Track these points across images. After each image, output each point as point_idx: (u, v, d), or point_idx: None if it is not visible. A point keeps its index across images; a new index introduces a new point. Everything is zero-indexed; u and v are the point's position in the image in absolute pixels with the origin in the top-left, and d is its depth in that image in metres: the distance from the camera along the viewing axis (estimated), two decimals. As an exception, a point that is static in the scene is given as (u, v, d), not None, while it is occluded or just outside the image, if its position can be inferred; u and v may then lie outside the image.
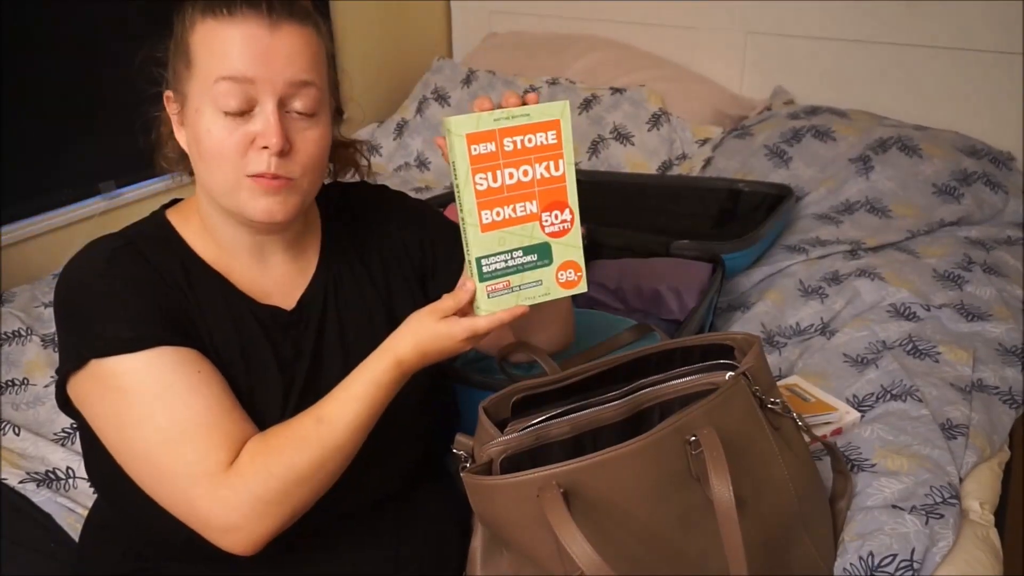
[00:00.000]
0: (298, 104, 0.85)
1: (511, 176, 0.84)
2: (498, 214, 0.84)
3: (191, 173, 0.92)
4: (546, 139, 0.85)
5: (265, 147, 0.83)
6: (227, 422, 0.82)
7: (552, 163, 0.85)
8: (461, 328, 0.84)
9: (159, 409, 0.81)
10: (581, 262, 0.89)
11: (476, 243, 0.84)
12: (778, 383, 1.05)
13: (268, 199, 0.85)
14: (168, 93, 0.90)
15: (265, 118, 0.83)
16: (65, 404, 0.89)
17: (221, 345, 0.88)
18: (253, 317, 0.91)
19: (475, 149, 0.82)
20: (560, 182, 0.86)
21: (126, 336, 0.81)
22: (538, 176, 0.85)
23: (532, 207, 0.85)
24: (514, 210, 0.85)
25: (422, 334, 0.84)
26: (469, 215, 0.83)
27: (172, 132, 0.91)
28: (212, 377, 0.84)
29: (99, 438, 0.85)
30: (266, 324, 0.92)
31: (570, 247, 0.88)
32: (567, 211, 0.87)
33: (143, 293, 0.84)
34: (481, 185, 0.83)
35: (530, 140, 0.84)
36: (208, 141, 0.83)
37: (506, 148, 0.83)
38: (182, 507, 0.81)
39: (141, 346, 0.81)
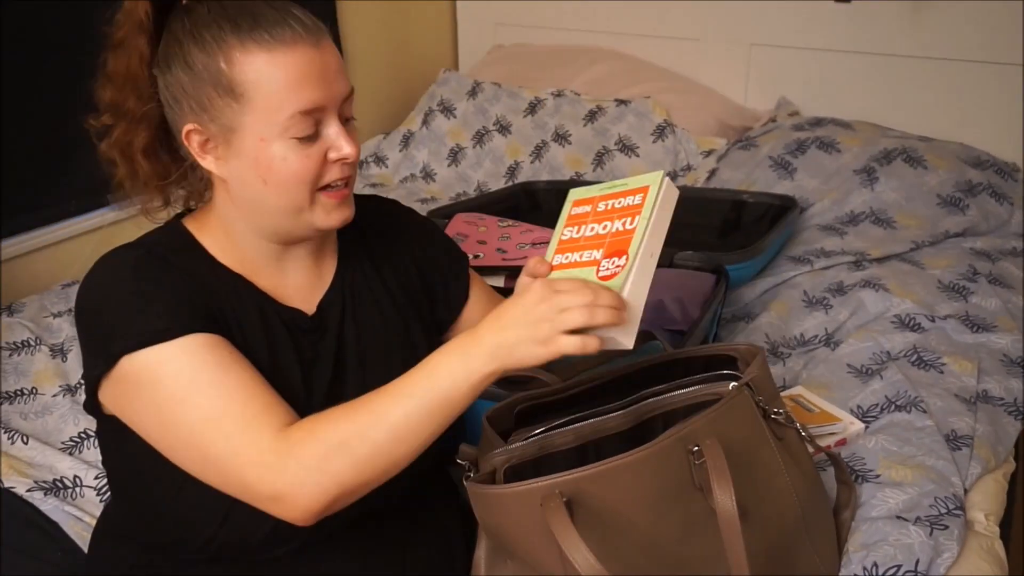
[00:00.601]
0: (347, 111, 0.89)
1: (591, 229, 0.88)
2: (567, 258, 0.87)
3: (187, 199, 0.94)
4: (633, 200, 0.87)
5: (339, 160, 0.86)
6: (262, 394, 0.83)
7: (629, 219, 0.86)
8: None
9: (195, 392, 0.81)
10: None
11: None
12: (782, 394, 1.06)
13: (341, 208, 0.90)
14: (191, 126, 0.86)
15: (335, 133, 0.86)
16: (93, 410, 0.89)
17: (251, 341, 0.89)
18: (279, 318, 0.92)
19: (575, 210, 0.91)
20: (629, 234, 0.85)
21: (154, 328, 0.82)
22: (613, 229, 0.86)
23: (597, 254, 0.86)
24: (581, 256, 0.87)
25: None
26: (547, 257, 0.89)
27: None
28: (242, 358, 0.85)
29: (122, 440, 0.86)
30: (290, 326, 0.92)
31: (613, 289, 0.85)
32: (624, 257, 0.84)
33: (172, 289, 0.85)
34: (566, 236, 0.89)
35: (619, 202, 0.88)
36: (285, 169, 0.85)
37: (599, 209, 0.89)
38: (234, 481, 0.81)
39: (170, 335, 0.82)
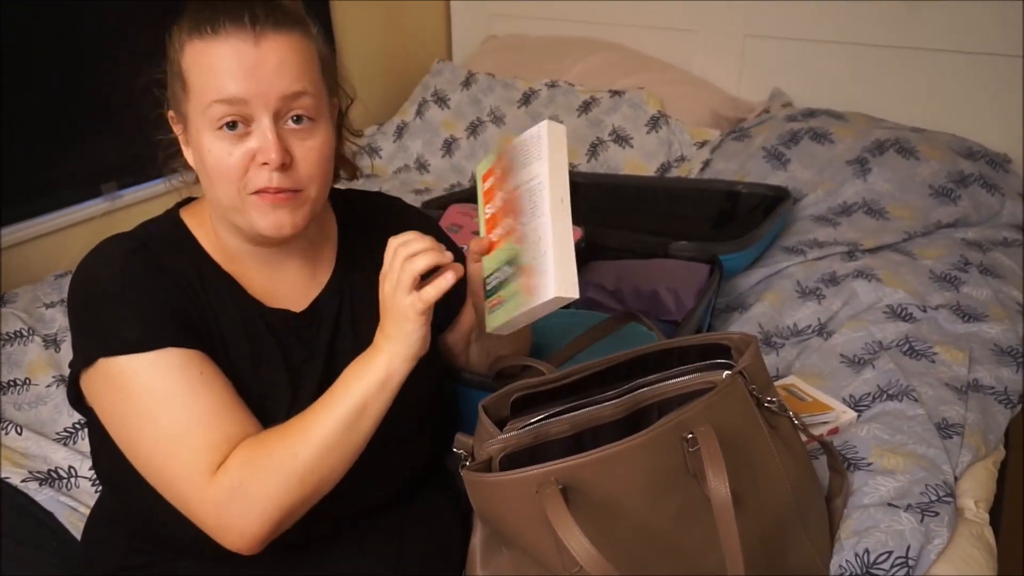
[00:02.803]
0: (294, 115, 0.84)
1: (501, 199, 0.89)
2: (495, 235, 0.89)
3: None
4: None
5: (265, 163, 0.83)
6: (225, 423, 0.83)
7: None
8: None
9: (160, 411, 0.82)
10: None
11: (486, 262, 0.89)
12: (775, 383, 1.06)
13: (276, 212, 0.85)
14: (171, 114, 0.90)
15: (262, 134, 0.83)
16: (76, 401, 0.90)
17: (232, 347, 0.89)
18: (262, 321, 0.92)
19: (485, 184, 0.91)
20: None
21: (134, 337, 0.82)
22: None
23: (512, 221, 0.88)
24: (503, 226, 0.88)
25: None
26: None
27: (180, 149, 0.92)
28: (214, 378, 0.85)
29: (109, 435, 0.86)
30: (275, 327, 0.92)
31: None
32: None
33: (154, 296, 0.85)
34: (487, 213, 0.90)
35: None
36: (210, 161, 0.84)
37: (497, 174, 0.90)
38: (183, 508, 0.83)
39: (147, 347, 0.82)
